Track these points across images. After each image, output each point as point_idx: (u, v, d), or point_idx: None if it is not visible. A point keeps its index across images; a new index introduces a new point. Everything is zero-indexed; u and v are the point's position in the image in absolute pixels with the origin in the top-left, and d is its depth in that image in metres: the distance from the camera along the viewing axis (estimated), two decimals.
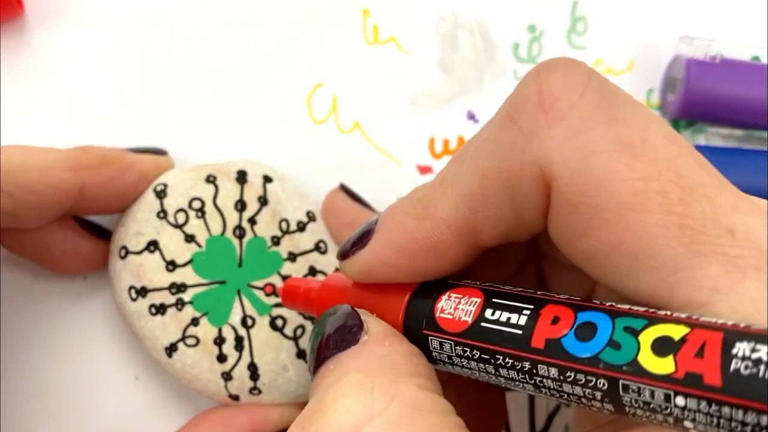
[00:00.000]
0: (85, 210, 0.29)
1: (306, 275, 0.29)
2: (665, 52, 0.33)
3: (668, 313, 0.16)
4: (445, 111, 0.33)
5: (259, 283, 0.29)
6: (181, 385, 0.32)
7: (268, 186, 0.30)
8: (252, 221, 0.29)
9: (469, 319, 0.19)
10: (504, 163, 0.18)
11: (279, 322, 0.29)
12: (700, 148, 0.31)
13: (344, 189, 0.31)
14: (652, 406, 0.15)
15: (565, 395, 0.17)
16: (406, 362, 0.19)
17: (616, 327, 0.16)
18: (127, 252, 0.29)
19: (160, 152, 0.31)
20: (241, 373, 0.29)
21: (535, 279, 0.24)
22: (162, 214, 0.29)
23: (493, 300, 0.19)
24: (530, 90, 0.18)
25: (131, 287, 0.29)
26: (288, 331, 0.29)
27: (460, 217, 0.19)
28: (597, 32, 0.34)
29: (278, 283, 0.29)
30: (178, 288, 0.29)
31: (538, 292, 0.18)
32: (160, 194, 0.29)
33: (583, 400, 0.16)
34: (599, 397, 0.16)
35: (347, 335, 0.20)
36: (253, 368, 0.29)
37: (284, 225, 0.30)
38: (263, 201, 0.30)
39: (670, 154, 0.17)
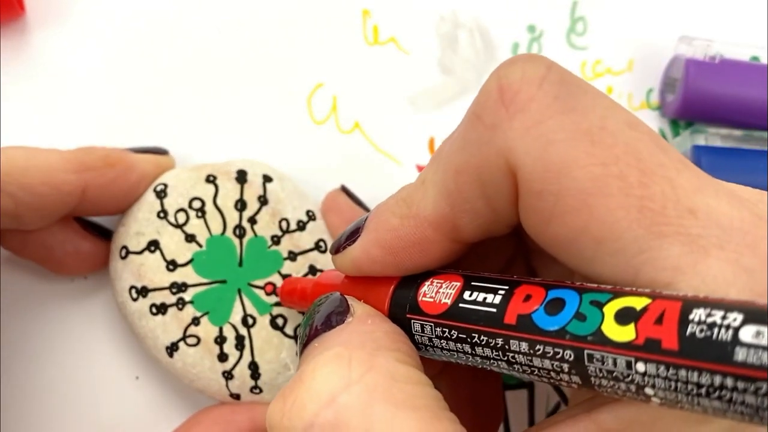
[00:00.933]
0: (87, 211, 0.29)
1: (306, 274, 0.29)
2: (664, 52, 0.34)
3: (633, 288, 0.16)
4: (445, 111, 0.34)
5: (260, 283, 0.29)
6: (181, 385, 0.32)
7: (268, 185, 0.30)
8: (252, 221, 0.29)
9: (449, 301, 0.19)
10: (473, 158, 0.19)
11: (279, 321, 0.29)
12: (699, 149, 0.31)
13: (345, 190, 0.31)
14: (615, 374, 0.16)
15: (536, 370, 0.17)
16: (386, 338, 0.19)
17: (583, 301, 0.16)
18: (128, 252, 0.29)
19: (161, 152, 0.31)
20: (242, 372, 0.29)
21: (525, 273, 0.24)
22: (162, 214, 0.29)
23: (472, 283, 0.19)
24: (492, 87, 0.18)
25: (132, 287, 0.29)
26: (288, 329, 0.29)
27: (441, 214, 0.20)
28: (596, 32, 0.34)
29: (279, 282, 0.29)
30: (179, 287, 0.29)
31: (515, 276, 0.19)
32: (160, 194, 0.29)
33: (552, 374, 0.17)
34: (567, 370, 0.17)
35: (334, 318, 0.21)
36: (254, 367, 0.29)
37: (284, 224, 0.30)
38: (263, 200, 0.30)
39: (629, 138, 0.17)
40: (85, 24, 0.33)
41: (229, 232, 0.29)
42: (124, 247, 0.29)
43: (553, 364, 0.17)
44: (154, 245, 0.29)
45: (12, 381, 0.31)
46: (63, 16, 0.32)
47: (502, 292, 0.18)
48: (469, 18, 0.34)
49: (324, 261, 0.30)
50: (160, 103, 0.33)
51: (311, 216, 0.30)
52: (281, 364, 0.29)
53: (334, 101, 0.33)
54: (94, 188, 0.28)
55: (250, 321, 0.29)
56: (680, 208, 0.16)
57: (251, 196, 0.30)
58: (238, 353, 0.29)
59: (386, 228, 0.21)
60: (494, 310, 0.18)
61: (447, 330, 0.19)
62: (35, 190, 0.26)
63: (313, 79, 0.33)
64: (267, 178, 0.30)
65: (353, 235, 0.22)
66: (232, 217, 0.29)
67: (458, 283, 0.19)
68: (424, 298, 0.20)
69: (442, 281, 0.20)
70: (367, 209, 0.31)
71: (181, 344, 0.29)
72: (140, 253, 0.29)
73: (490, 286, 0.19)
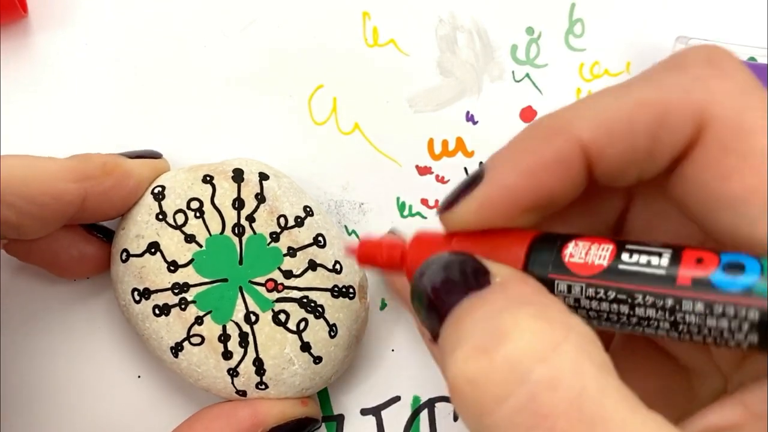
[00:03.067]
0: (85, 219, 0.29)
1: (306, 269, 0.29)
2: (662, 53, 0.34)
3: None
4: (444, 112, 0.34)
5: (261, 279, 0.29)
6: (183, 384, 0.32)
7: (265, 183, 0.30)
8: (250, 219, 0.29)
9: (605, 263, 0.19)
10: (665, 95, 0.19)
11: (282, 317, 0.29)
12: None
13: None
14: None
15: (706, 330, 0.18)
16: (557, 303, 0.19)
17: (764, 265, 0.17)
18: (129, 255, 0.29)
19: (155, 156, 0.31)
20: (247, 368, 0.29)
21: (622, 232, 0.24)
22: (161, 215, 0.29)
23: (627, 246, 0.19)
24: (699, 53, 0.20)
25: (134, 289, 0.29)
26: (291, 325, 0.29)
27: (595, 138, 0.20)
28: (594, 34, 0.34)
29: (279, 278, 0.29)
30: (181, 288, 0.29)
31: (668, 243, 0.19)
32: (158, 196, 0.29)
33: (725, 333, 0.17)
34: (746, 329, 0.17)
35: (473, 277, 0.19)
36: (258, 363, 0.29)
37: (282, 221, 0.30)
38: (260, 198, 0.30)
39: None
40: (86, 27, 0.33)
41: (228, 231, 0.29)
42: (125, 250, 0.29)
43: (731, 324, 0.17)
44: (154, 247, 0.29)
45: (13, 381, 0.31)
46: (65, 19, 0.33)
47: (668, 255, 0.18)
48: (468, 20, 0.34)
49: (323, 256, 0.30)
50: (160, 105, 0.33)
51: (309, 212, 0.30)
52: (285, 359, 0.29)
53: (335, 102, 0.33)
54: (93, 196, 0.28)
55: (253, 318, 0.29)
56: None
57: (248, 194, 0.30)
58: (242, 350, 0.29)
59: (524, 149, 0.20)
60: (663, 272, 0.18)
61: (603, 290, 0.19)
62: (36, 200, 0.26)
63: (314, 81, 0.33)
64: (263, 176, 0.30)
65: (470, 187, 0.21)
66: (231, 216, 0.29)
67: (611, 246, 0.19)
68: (571, 259, 0.19)
69: (589, 243, 0.20)
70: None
71: (186, 344, 0.29)
72: (141, 255, 0.29)
73: (651, 250, 0.19)
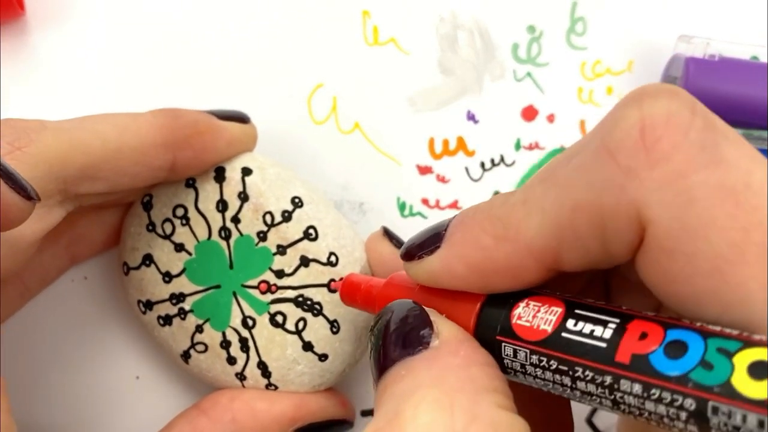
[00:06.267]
0: (170, 180, 0.28)
1: (299, 266, 0.28)
2: (664, 52, 0.34)
3: (763, 338, 0.15)
4: (445, 111, 0.34)
5: (253, 282, 0.28)
6: (181, 385, 0.32)
7: (247, 179, 0.28)
8: (235, 220, 0.28)
9: (549, 328, 0.18)
10: (599, 198, 0.17)
11: (279, 318, 0.28)
12: None
13: (387, 233, 0.29)
14: (741, 431, 0.15)
15: (646, 413, 0.16)
16: (483, 376, 0.18)
17: (709, 347, 0.15)
18: (129, 268, 0.29)
19: (243, 118, 0.29)
20: (253, 372, 0.29)
21: (603, 290, 0.23)
22: (150, 226, 0.29)
23: (576, 311, 0.18)
24: (632, 123, 0.17)
25: (139, 301, 0.29)
26: (289, 326, 0.28)
27: (545, 244, 0.18)
28: (596, 33, 0.34)
29: (271, 279, 0.28)
30: (178, 298, 0.29)
31: (623, 307, 0.18)
32: (147, 206, 0.29)
33: (665, 419, 0.16)
34: (684, 418, 0.16)
35: (415, 336, 0.19)
36: (263, 366, 0.28)
37: (268, 218, 0.28)
38: (243, 197, 0.28)
39: None
40: (84, 24, 0.33)
41: (215, 236, 0.29)
42: (125, 263, 0.30)
43: (668, 411, 0.16)
44: (148, 259, 0.29)
45: (11, 381, 0.31)
46: (63, 17, 0.32)
47: (613, 325, 0.17)
48: (469, 19, 0.34)
49: (315, 250, 0.28)
50: (159, 104, 0.33)
51: (297, 203, 0.28)
52: (289, 360, 0.28)
53: (334, 101, 0.33)
54: (182, 160, 0.27)
55: (250, 322, 0.28)
56: None
57: (231, 194, 0.28)
58: (244, 355, 0.29)
59: (475, 246, 0.19)
60: (604, 345, 0.17)
61: (545, 359, 0.18)
62: (128, 171, 0.26)
63: (313, 80, 0.33)
64: (246, 171, 0.29)
65: (430, 243, 0.21)
66: (215, 220, 0.28)
67: (560, 309, 0.18)
68: (518, 321, 0.19)
69: (539, 304, 0.19)
70: None
71: (192, 352, 0.29)
72: (138, 268, 0.29)
73: (598, 317, 0.18)
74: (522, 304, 0.19)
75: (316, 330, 0.28)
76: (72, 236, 0.30)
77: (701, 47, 0.32)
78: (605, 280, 0.23)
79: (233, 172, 0.29)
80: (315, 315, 0.28)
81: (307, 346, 0.28)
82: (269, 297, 0.28)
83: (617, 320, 0.17)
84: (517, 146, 0.34)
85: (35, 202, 0.20)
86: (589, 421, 0.32)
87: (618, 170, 0.17)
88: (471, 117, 0.34)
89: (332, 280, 0.28)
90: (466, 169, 0.33)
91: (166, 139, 0.26)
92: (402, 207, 0.33)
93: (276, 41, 0.33)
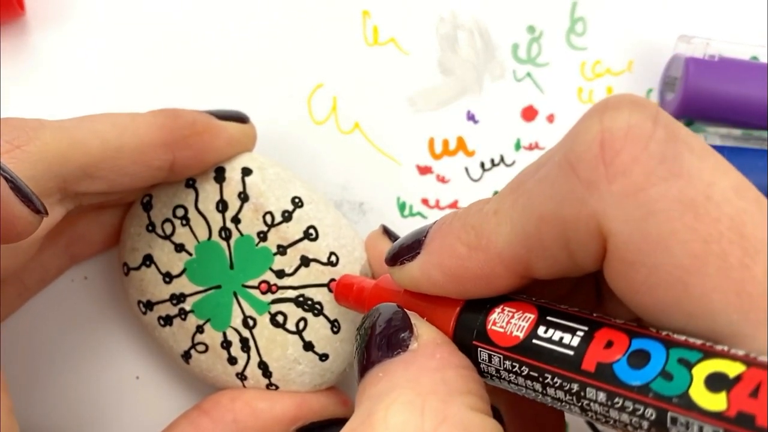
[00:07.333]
0: (169, 180, 0.28)
1: (299, 266, 0.28)
2: (664, 52, 0.34)
3: (725, 348, 0.15)
4: (445, 111, 0.34)
5: (253, 282, 0.28)
6: (181, 386, 0.32)
7: (247, 179, 0.28)
8: (236, 220, 0.28)
9: (521, 335, 0.18)
10: (561, 210, 0.18)
11: (280, 318, 0.28)
12: None
13: (386, 232, 0.30)
14: None
15: (612, 421, 0.17)
16: (457, 378, 0.19)
17: (670, 357, 0.16)
18: (129, 268, 0.29)
19: (242, 118, 0.29)
20: (254, 372, 0.29)
21: (594, 293, 0.23)
22: (150, 227, 0.29)
23: (547, 318, 0.18)
24: (592, 136, 0.17)
25: (139, 301, 0.29)
26: (290, 326, 0.28)
27: (515, 253, 0.19)
28: (596, 33, 0.34)
29: (272, 279, 0.28)
30: (178, 298, 0.29)
31: (594, 314, 0.18)
32: (147, 206, 0.29)
33: (629, 428, 0.16)
34: (646, 427, 0.16)
35: (396, 339, 0.20)
36: (263, 366, 0.28)
37: (268, 218, 0.28)
38: (243, 197, 0.28)
39: (735, 210, 0.16)
40: (85, 24, 0.33)
41: (215, 236, 0.29)
42: (125, 263, 0.29)
43: (631, 419, 0.16)
44: (148, 260, 0.29)
45: (11, 381, 0.31)
46: (63, 17, 0.32)
47: (581, 333, 0.17)
48: (469, 19, 0.34)
49: (316, 250, 0.28)
50: (159, 104, 0.33)
51: (298, 203, 0.28)
52: (290, 360, 0.28)
53: (334, 101, 0.33)
54: (181, 159, 0.27)
55: (251, 322, 0.28)
56: None
57: (231, 194, 0.28)
58: (245, 355, 0.29)
59: (450, 254, 0.20)
60: (571, 353, 0.17)
61: (518, 365, 0.18)
62: (127, 171, 0.26)
63: (313, 80, 0.33)
64: (246, 172, 0.28)
65: (411, 250, 0.21)
66: (216, 220, 0.28)
67: (532, 316, 0.19)
68: (493, 327, 0.19)
69: (513, 310, 0.19)
70: None
71: (193, 352, 0.29)
72: (138, 268, 0.29)
73: (567, 324, 0.18)
74: (498, 310, 0.20)
75: (317, 330, 0.28)
76: (72, 236, 0.30)
77: (701, 47, 0.32)
78: (596, 283, 0.23)
79: (233, 172, 0.29)
80: (315, 315, 0.28)
81: (308, 346, 0.28)
82: (270, 297, 0.28)
83: (586, 328, 0.18)
84: (517, 146, 0.34)
85: (43, 216, 0.20)
86: (589, 422, 0.32)
87: (579, 183, 0.17)
88: (471, 117, 0.34)
89: (332, 279, 0.28)
90: (466, 169, 0.33)
91: (166, 139, 0.26)
92: (402, 207, 0.33)
93: (276, 41, 0.33)
